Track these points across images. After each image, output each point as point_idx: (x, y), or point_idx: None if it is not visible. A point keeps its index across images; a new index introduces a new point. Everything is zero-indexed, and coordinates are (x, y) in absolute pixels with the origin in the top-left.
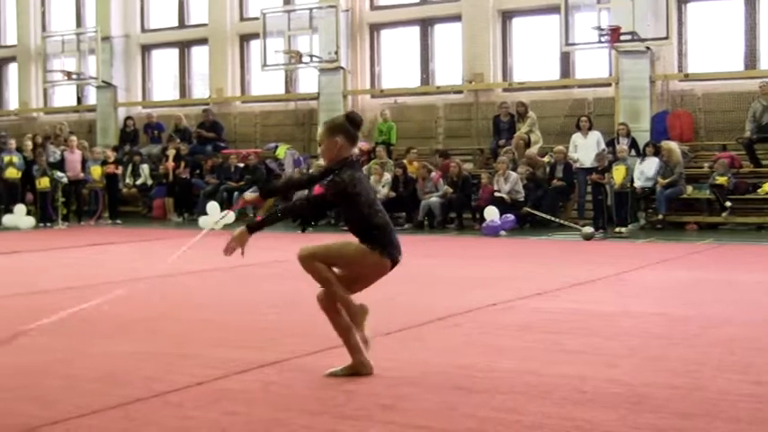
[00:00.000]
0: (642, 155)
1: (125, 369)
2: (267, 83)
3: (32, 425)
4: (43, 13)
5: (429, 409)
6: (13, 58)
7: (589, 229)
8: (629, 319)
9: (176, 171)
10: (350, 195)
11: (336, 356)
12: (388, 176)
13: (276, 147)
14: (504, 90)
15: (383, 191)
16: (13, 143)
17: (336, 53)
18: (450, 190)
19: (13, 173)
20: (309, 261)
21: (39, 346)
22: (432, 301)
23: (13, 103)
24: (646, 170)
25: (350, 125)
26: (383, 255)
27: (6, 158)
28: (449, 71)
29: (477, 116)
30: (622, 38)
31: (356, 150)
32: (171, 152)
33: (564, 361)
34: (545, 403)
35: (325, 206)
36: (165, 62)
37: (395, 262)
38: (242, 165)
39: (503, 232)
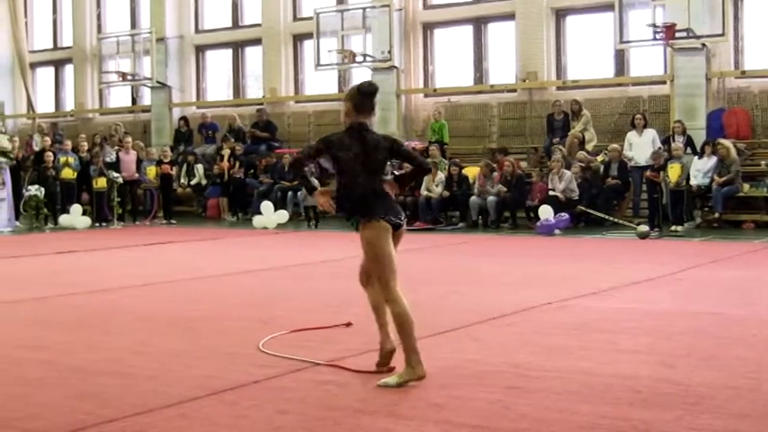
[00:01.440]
0: (698, 153)
1: (180, 367)
2: (320, 82)
3: (88, 423)
4: (98, 15)
5: (483, 409)
6: (69, 60)
7: (644, 228)
8: (685, 318)
9: (231, 171)
10: (329, 153)
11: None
12: (441, 176)
13: None
14: (558, 88)
15: (437, 190)
16: (68, 144)
17: (389, 52)
18: (505, 189)
19: (69, 173)
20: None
21: (92, 344)
22: (486, 299)
23: (69, 104)
24: (702, 168)
25: (358, 93)
26: (377, 219)
27: (63, 159)
28: (502, 70)
29: (530, 115)
30: (677, 35)
31: (372, 118)
32: (226, 152)
33: (619, 360)
34: (600, 403)
35: (309, 158)
36: (218, 62)
37: (393, 224)
38: None
39: (557, 231)
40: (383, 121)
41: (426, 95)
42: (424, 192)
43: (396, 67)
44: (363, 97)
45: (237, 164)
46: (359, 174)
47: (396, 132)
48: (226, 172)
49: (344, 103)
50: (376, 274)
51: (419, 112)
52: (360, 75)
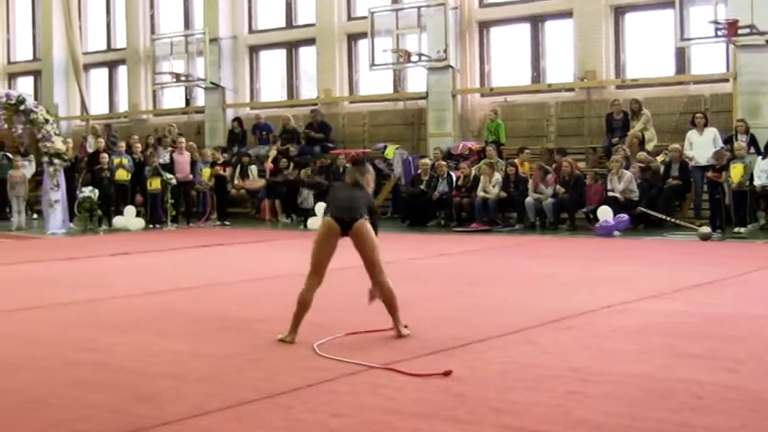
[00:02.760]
0: (762, 152)
1: (235, 370)
2: (375, 82)
3: (143, 425)
4: (152, 16)
5: (542, 414)
6: (122, 61)
7: (706, 230)
8: (749, 322)
9: (285, 172)
10: (328, 193)
11: (446, 358)
12: (498, 176)
13: (385, 147)
14: (617, 87)
15: (493, 191)
16: (122, 145)
17: (445, 51)
18: (563, 189)
19: (123, 174)
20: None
21: (146, 346)
22: (544, 302)
23: (123, 105)
24: (766, 168)
25: (356, 170)
26: (326, 215)
27: (117, 160)
28: (560, 68)
29: (589, 114)
30: (740, 31)
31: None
32: (272, 153)
33: (681, 365)
34: (661, 409)
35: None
36: (272, 63)
37: (339, 221)
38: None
39: (616, 233)
40: (439, 122)
41: (482, 95)
42: (480, 193)
43: (451, 66)
44: (357, 170)
45: (291, 165)
46: (341, 189)
47: (451, 133)
48: (268, 173)
49: (367, 177)
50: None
51: (475, 112)
52: (415, 74)
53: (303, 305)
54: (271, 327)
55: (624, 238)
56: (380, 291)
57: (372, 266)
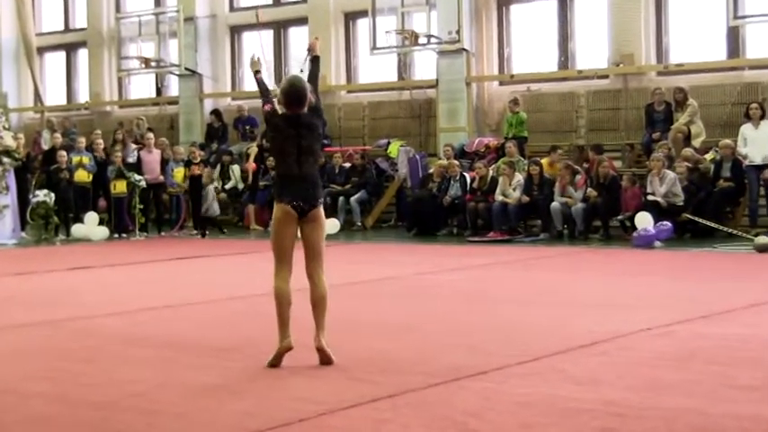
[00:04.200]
0: None
1: (213, 403)
2: (377, 69)
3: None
4: None
5: None
6: (83, 44)
7: (764, 240)
8: None
9: (272, 173)
10: (272, 119)
11: (458, 389)
12: (519, 178)
13: (388, 143)
14: (659, 74)
15: (514, 194)
16: (83, 141)
17: (458, 33)
18: (595, 193)
19: (83, 176)
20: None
21: (111, 375)
22: (574, 324)
23: (83, 95)
24: None
25: (286, 98)
26: (280, 202)
27: (76, 159)
28: (592, 52)
29: (626, 105)
30: None
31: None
32: (252, 150)
33: (734, 398)
34: None
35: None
36: (257, 46)
37: (294, 207)
38: (348, 165)
39: (658, 243)
40: (451, 114)
41: (502, 83)
42: (499, 196)
43: (465, 49)
44: (289, 103)
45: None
46: (289, 155)
47: (465, 127)
48: (250, 174)
49: (278, 98)
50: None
51: (493, 103)
52: (423, 59)
53: (283, 299)
54: (255, 351)
55: (667, 249)
56: (314, 290)
57: (317, 258)
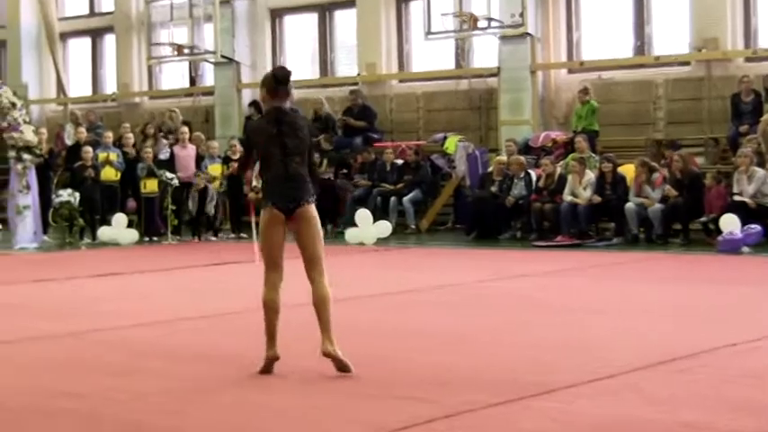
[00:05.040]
0: None
1: (257, 421)
2: (432, 56)
3: None
4: None
5: None
6: (109, 29)
7: None
8: None
9: (317, 170)
10: (251, 144)
11: (522, 409)
12: (590, 176)
13: (445, 138)
14: (747, 60)
15: (585, 194)
16: (110, 136)
17: (522, 16)
18: (674, 192)
19: (110, 174)
20: None
21: (143, 391)
22: (651, 338)
23: (110, 85)
24: None
25: (272, 80)
26: (267, 205)
27: (102, 156)
28: (671, 36)
29: (709, 95)
30: None
31: (284, 103)
32: None
33: None
34: None
35: (249, 157)
36: (300, 31)
37: (282, 209)
38: (400, 162)
39: (745, 248)
40: (514, 105)
41: (570, 71)
42: (567, 197)
43: (530, 34)
44: (276, 83)
45: (324, 162)
46: (273, 155)
47: (530, 120)
48: None
49: (261, 90)
50: (266, 256)
51: (561, 93)
52: (484, 45)
53: (271, 308)
54: (300, 366)
55: (756, 255)
56: (315, 291)
57: (315, 262)
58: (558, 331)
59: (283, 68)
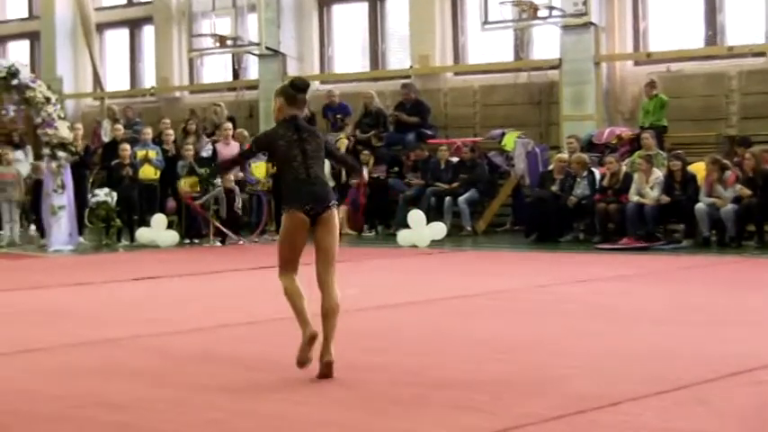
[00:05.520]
0: None
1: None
2: (489, 47)
3: None
4: None
5: None
6: (148, 20)
7: None
8: None
9: (367, 168)
10: (266, 148)
11: (586, 423)
12: (658, 174)
13: (503, 134)
14: None
15: (652, 194)
16: (149, 132)
17: (585, 4)
18: (748, 192)
19: (149, 172)
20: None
21: (182, 401)
22: (723, 348)
23: (148, 79)
24: None
25: (291, 87)
26: (290, 209)
27: (141, 153)
28: (746, 25)
29: None
30: None
31: (305, 112)
32: (342, 142)
33: None
34: None
35: (249, 157)
36: (349, 21)
37: (307, 212)
38: (456, 160)
39: None
40: (576, 99)
41: (637, 63)
42: (633, 197)
43: (593, 23)
44: (296, 91)
45: (371, 159)
46: (294, 158)
47: (594, 115)
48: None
49: (276, 99)
50: (284, 259)
51: (626, 86)
52: (544, 35)
53: (294, 293)
54: (350, 375)
55: None
56: (326, 300)
57: (330, 263)
58: (622, 340)
59: (301, 78)
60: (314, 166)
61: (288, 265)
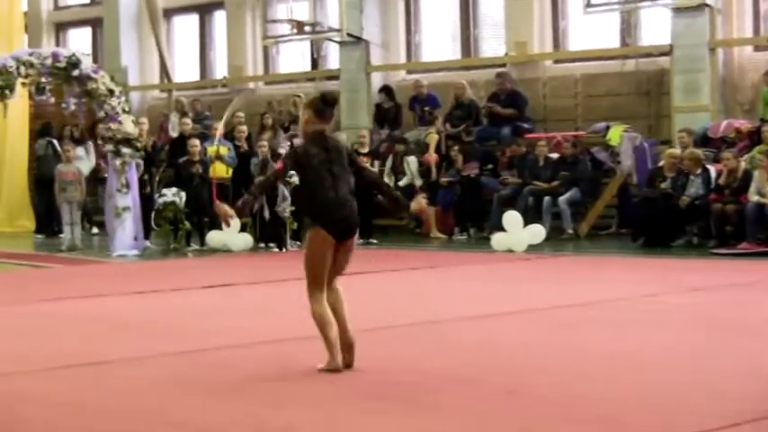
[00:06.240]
0: None
1: None
2: (593, 31)
3: None
4: None
5: None
6: (219, 4)
7: None
8: None
9: (459, 166)
10: (298, 166)
11: None
12: None
13: (607, 128)
14: None
15: None
16: (219, 127)
17: None
18: None
19: (221, 171)
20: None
21: (260, 424)
22: None
23: (220, 68)
24: None
25: (322, 102)
26: (321, 228)
27: (211, 150)
28: None
29: None
30: None
31: (327, 126)
32: (432, 137)
33: None
34: None
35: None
36: (438, 4)
37: (337, 237)
38: (555, 156)
39: None
40: (689, 89)
41: (757, 48)
42: (753, 197)
43: (708, 5)
44: (325, 106)
45: (461, 157)
46: (324, 179)
47: (709, 106)
48: (434, 167)
49: (305, 111)
50: (312, 278)
51: (745, 74)
52: (653, 18)
53: (327, 322)
54: (431, 392)
55: None
56: (331, 294)
57: (339, 275)
58: (741, 356)
59: (332, 92)
60: (343, 186)
61: (319, 281)
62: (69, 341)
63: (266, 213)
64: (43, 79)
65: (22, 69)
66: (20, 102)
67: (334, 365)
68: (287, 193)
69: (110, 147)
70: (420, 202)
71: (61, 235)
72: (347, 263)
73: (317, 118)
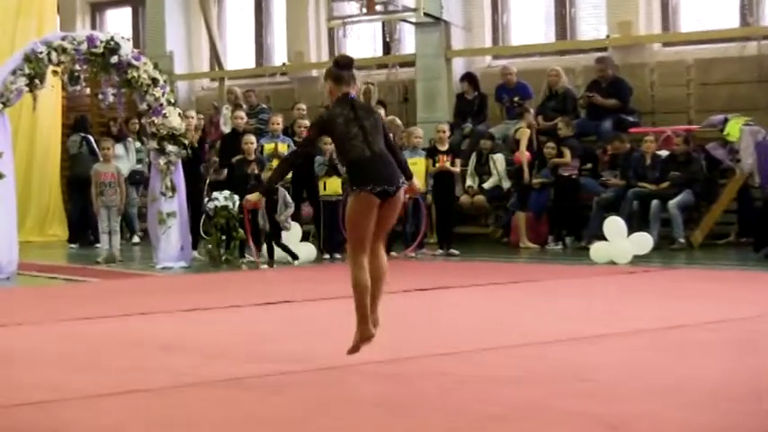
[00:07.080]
0: None
1: None
2: (708, 11)
3: None
4: None
5: None
6: None
7: None
8: None
9: (553, 164)
10: (325, 129)
11: None
12: None
13: (725, 121)
14: None
15: None
16: (278, 122)
17: None
18: None
19: None
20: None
21: None
22: None
23: (279, 54)
24: None
25: (335, 67)
26: (361, 191)
27: (269, 147)
28: None
29: None
30: None
31: (351, 89)
32: (524, 132)
33: None
34: None
35: (314, 143)
36: None
37: (379, 193)
38: (665, 153)
39: None
40: None
41: None
42: None
43: None
44: (340, 69)
45: (569, 152)
46: (354, 136)
47: None
48: (525, 168)
49: (325, 84)
50: (355, 241)
51: None
52: None
53: (365, 289)
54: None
55: None
56: (378, 264)
57: (385, 235)
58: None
59: (343, 54)
60: (376, 141)
61: (361, 246)
62: (108, 366)
63: (260, 220)
64: (77, 67)
65: (54, 56)
66: (51, 93)
67: (362, 335)
68: (289, 198)
69: (153, 144)
70: (413, 183)
71: (98, 245)
72: (393, 221)
73: (337, 84)
